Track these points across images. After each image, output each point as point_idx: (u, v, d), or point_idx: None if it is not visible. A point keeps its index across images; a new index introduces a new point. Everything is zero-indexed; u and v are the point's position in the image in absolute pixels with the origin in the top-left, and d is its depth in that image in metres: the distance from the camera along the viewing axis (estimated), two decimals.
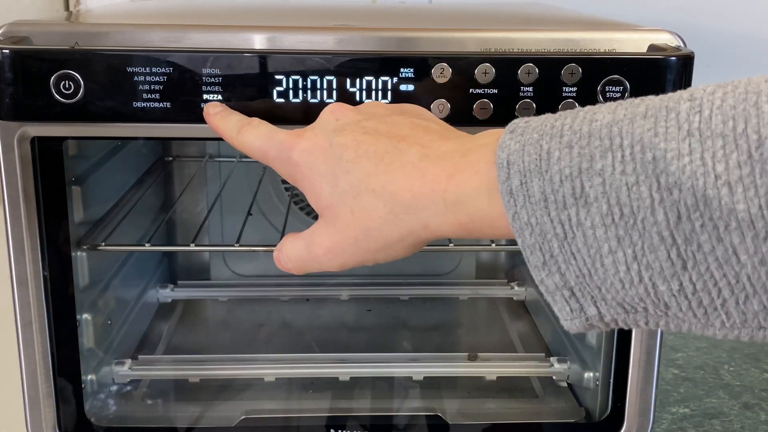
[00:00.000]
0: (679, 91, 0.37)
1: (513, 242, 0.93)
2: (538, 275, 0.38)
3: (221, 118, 0.54)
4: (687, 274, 0.33)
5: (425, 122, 0.48)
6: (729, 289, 0.33)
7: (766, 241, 0.31)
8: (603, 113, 0.37)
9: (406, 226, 0.43)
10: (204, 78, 0.61)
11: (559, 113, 0.39)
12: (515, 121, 0.40)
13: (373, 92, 0.63)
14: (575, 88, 0.63)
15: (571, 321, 0.38)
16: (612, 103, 0.38)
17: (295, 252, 0.49)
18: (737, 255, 0.32)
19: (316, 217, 1.18)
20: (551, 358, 0.89)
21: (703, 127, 0.33)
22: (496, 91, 0.63)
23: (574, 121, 0.37)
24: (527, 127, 0.39)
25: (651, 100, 0.37)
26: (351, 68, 0.62)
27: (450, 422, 0.78)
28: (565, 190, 0.35)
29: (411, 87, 0.63)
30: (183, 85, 0.61)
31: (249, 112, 0.59)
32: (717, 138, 0.32)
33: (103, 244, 0.79)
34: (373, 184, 0.44)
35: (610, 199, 0.34)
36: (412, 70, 0.62)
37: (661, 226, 0.33)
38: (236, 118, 0.54)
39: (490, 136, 0.42)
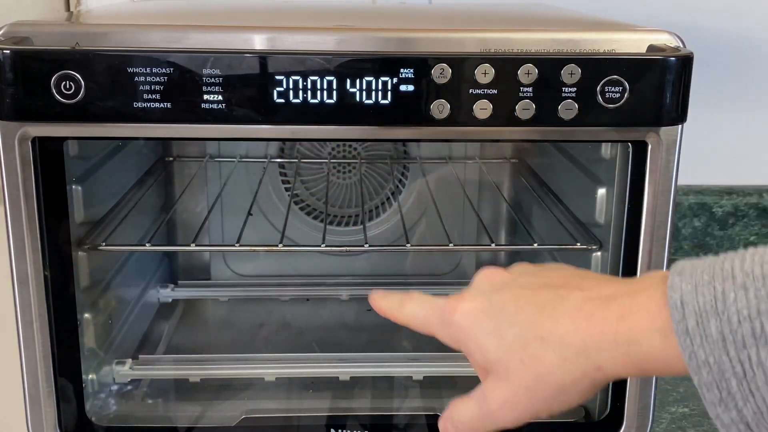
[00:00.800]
0: None
1: (513, 242, 0.93)
2: (713, 411, 0.38)
3: (381, 298, 0.56)
4: None
5: (578, 272, 0.49)
6: None
7: None
8: None
9: (579, 369, 0.43)
10: (204, 78, 0.62)
11: (722, 255, 0.40)
12: (679, 263, 0.41)
13: (373, 92, 0.63)
14: (575, 89, 0.63)
15: None
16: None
17: (468, 413, 0.48)
18: None
19: (316, 217, 1.18)
20: None
21: None
22: (495, 91, 0.63)
23: (743, 263, 0.38)
24: (695, 270, 0.40)
25: None
26: (351, 69, 0.62)
27: None
28: (744, 330, 0.37)
29: (411, 87, 0.63)
30: (183, 86, 0.62)
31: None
32: None
33: (104, 244, 0.79)
34: (540, 331, 0.44)
35: None
36: (412, 70, 0.62)
37: None
38: (398, 295, 0.56)
39: (653, 278, 0.43)
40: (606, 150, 0.77)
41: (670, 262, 0.72)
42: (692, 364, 0.38)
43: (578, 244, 0.80)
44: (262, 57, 0.62)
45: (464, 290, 0.51)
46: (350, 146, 1.11)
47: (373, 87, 0.63)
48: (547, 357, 0.44)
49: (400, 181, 1.12)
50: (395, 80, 0.62)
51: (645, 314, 0.41)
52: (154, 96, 0.62)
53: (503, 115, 0.64)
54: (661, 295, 0.40)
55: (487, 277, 0.51)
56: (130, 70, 0.61)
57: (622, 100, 0.63)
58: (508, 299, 0.47)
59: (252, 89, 0.62)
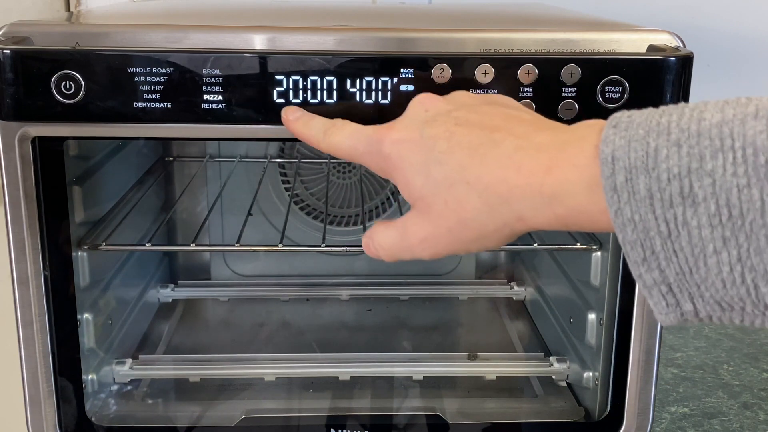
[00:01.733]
0: None
1: (513, 242, 0.94)
2: (636, 270, 0.38)
3: (303, 124, 0.54)
4: None
5: (516, 112, 0.47)
6: None
7: None
8: (710, 112, 0.37)
9: (501, 218, 0.43)
10: (204, 78, 0.62)
11: (662, 108, 0.39)
12: (616, 115, 0.40)
13: (373, 92, 0.63)
14: (575, 89, 0.63)
15: (666, 315, 0.38)
16: (718, 101, 0.38)
17: (388, 240, 0.49)
18: None
19: (316, 217, 1.18)
20: (551, 358, 0.89)
21: None
22: (495, 91, 0.63)
23: (681, 118, 0.37)
24: (631, 123, 0.38)
25: (759, 100, 0.37)
26: (351, 68, 0.62)
27: (450, 422, 0.79)
28: (673, 189, 0.36)
29: (411, 87, 0.63)
30: (183, 86, 0.62)
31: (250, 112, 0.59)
32: None
33: (104, 243, 0.79)
34: (468, 176, 0.43)
35: (719, 200, 0.35)
36: (412, 70, 0.62)
37: None
38: (320, 121, 0.54)
39: (587, 128, 0.41)
40: None
41: None
42: (618, 221, 0.37)
43: (578, 244, 0.80)
44: (262, 57, 0.62)
45: (397, 119, 0.49)
46: None
47: (373, 87, 0.63)
48: (471, 202, 0.43)
49: None
50: (395, 80, 0.62)
51: (572, 167, 0.40)
52: (154, 96, 0.62)
53: None
54: (593, 147, 0.39)
55: (421, 104, 0.49)
56: (130, 70, 0.61)
57: (622, 100, 0.63)
58: (440, 134, 0.46)
59: (252, 89, 0.62)
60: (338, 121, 0.53)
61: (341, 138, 0.51)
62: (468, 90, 0.63)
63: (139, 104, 0.62)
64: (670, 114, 0.38)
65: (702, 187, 0.35)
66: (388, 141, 0.48)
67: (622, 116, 0.39)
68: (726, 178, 0.34)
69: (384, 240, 0.49)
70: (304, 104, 0.63)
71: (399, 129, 0.48)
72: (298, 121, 0.55)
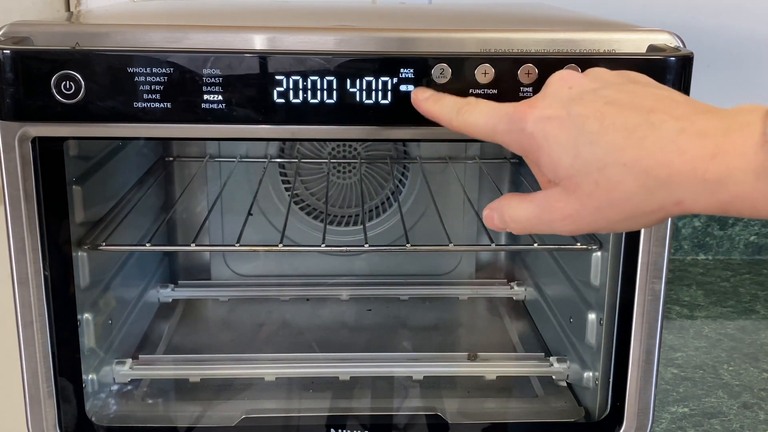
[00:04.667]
0: None
1: (513, 242, 0.93)
2: None
3: (434, 102, 0.53)
4: None
5: (668, 92, 0.46)
6: None
7: None
8: None
9: (657, 201, 0.42)
10: (204, 78, 0.62)
11: None
12: None
13: (373, 92, 0.63)
14: None
15: None
16: None
17: (524, 214, 0.48)
18: None
19: (316, 217, 1.17)
20: (551, 358, 0.89)
21: None
22: (496, 91, 0.63)
23: None
24: None
25: None
26: (351, 69, 0.62)
27: (450, 422, 0.79)
28: None
29: (411, 87, 0.63)
30: (183, 86, 0.62)
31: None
32: None
33: (104, 243, 0.79)
34: (624, 158, 0.42)
35: None
36: (412, 70, 0.62)
37: None
38: (452, 99, 0.52)
39: (752, 113, 0.41)
40: None
41: (670, 262, 0.72)
42: None
43: (578, 244, 0.80)
44: (262, 57, 0.62)
45: (537, 95, 0.48)
46: (350, 146, 1.11)
47: (373, 87, 0.63)
48: (626, 184, 0.43)
49: (400, 181, 1.12)
50: (395, 80, 0.62)
51: (740, 154, 0.39)
52: (154, 96, 0.62)
53: None
54: (759, 135, 0.39)
55: (564, 81, 0.48)
56: (130, 70, 0.61)
57: None
58: (590, 113, 0.44)
59: (252, 89, 0.62)
60: (471, 100, 0.52)
61: (477, 116, 0.50)
62: (468, 90, 0.63)
63: (139, 104, 0.62)
64: None
65: None
66: (532, 119, 0.46)
67: None
68: None
69: (519, 213, 0.48)
70: (304, 104, 0.63)
71: (543, 107, 0.46)
72: (428, 101, 0.53)
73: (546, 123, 0.46)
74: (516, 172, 1.10)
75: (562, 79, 0.48)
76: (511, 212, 0.49)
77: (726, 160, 0.40)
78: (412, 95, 0.54)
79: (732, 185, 0.40)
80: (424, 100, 0.54)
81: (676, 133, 0.42)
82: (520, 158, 1.09)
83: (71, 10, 1.18)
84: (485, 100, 0.51)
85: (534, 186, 1.01)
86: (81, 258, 0.76)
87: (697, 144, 0.41)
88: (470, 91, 0.63)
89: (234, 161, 1.09)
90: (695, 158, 0.41)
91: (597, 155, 0.43)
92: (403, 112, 0.63)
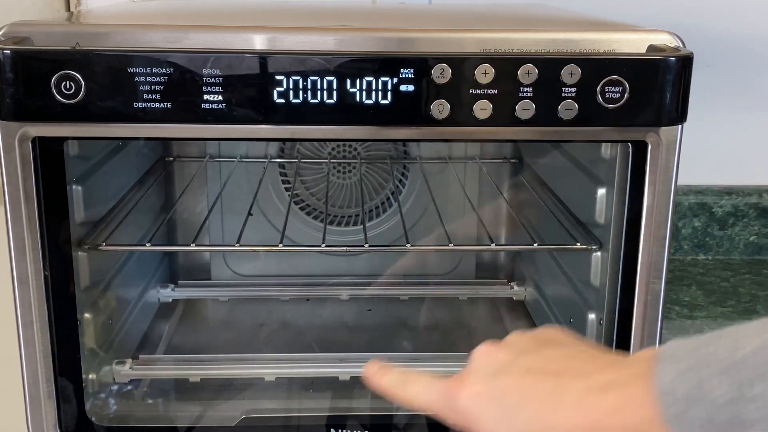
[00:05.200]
0: None
1: (513, 242, 0.93)
2: None
3: (380, 377, 0.58)
4: None
5: (572, 350, 0.51)
6: None
7: None
8: (750, 338, 0.40)
9: None
10: (204, 78, 0.62)
11: (700, 338, 0.42)
12: (665, 347, 0.43)
13: (373, 92, 0.63)
14: (575, 89, 0.63)
15: None
16: (749, 324, 0.42)
17: None
18: None
19: (316, 217, 1.17)
20: None
21: None
22: (495, 91, 0.63)
23: (717, 349, 0.41)
24: (674, 356, 0.42)
25: None
26: (351, 69, 0.62)
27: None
28: (725, 415, 0.39)
29: (411, 87, 0.63)
30: (183, 86, 0.62)
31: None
32: None
33: (104, 243, 0.79)
34: (547, 422, 0.47)
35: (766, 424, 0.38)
36: (412, 70, 0.62)
37: None
38: (396, 373, 0.57)
39: (644, 362, 0.44)
40: (606, 150, 0.77)
41: (670, 262, 0.72)
42: None
43: (578, 244, 0.80)
44: (262, 57, 0.62)
45: (464, 371, 0.53)
46: (350, 146, 1.11)
47: (373, 87, 0.63)
48: None
49: (400, 181, 1.12)
50: (395, 80, 0.62)
51: (640, 405, 0.43)
52: (154, 96, 0.62)
53: (503, 115, 0.64)
54: (651, 383, 0.43)
55: (485, 356, 0.53)
56: (130, 70, 0.61)
57: (622, 100, 0.63)
58: (511, 386, 0.49)
59: (252, 89, 0.62)
60: (413, 374, 0.56)
61: (419, 389, 0.55)
62: (468, 90, 0.63)
63: (139, 104, 0.62)
64: (711, 344, 0.41)
65: (750, 411, 0.38)
66: (463, 396, 0.51)
67: (669, 348, 0.43)
68: None
69: None
70: (304, 104, 0.63)
71: (470, 383, 0.51)
72: (375, 375, 0.58)
73: (475, 399, 0.50)
74: (515, 172, 1.10)
75: (483, 355, 0.53)
76: None
77: (627, 412, 0.44)
78: (364, 371, 0.59)
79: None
80: (371, 375, 0.58)
81: (582, 392, 0.46)
82: (520, 158, 1.09)
83: (71, 10, 1.18)
84: (426, 375, 0.55)
85: (534, 187, 1.01)
86: (81, 258, 0.76)
87: (603, 400, 0.45)
88: (470, 91, 0.63)
89: (234, 161, 1.09)
90: (604, 415, 0.45)
91: (525, 423, 0.48)
92: (403, 112, 0.63)
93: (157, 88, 0.61)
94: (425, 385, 0.54)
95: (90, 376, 0.78)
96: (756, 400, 0.38)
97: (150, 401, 0.85)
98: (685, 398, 0.40)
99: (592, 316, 0.80)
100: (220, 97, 0.62)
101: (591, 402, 0.46)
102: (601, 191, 0.78)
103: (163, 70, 0.61)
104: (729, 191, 1.24)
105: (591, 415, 0.45)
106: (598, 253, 0.79)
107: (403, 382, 0.56)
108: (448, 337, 1.00)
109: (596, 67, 0.63)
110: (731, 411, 0.39)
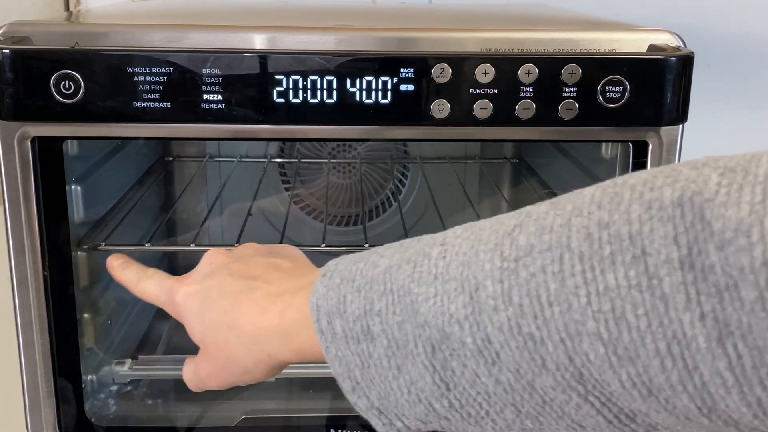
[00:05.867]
0: (438, 234, 0.44)
1: None
2: (350, 398, 0.44)
3: (121, 270, 0.62)
4: (451, 393, 0.40)
5: (279, 261, 0.55)
6: (486, 402, 0.40)
7: (494, 365, 0.38)
8: (386, 257, 0.44)
9: (255, 355, 0.50)
10: (204, 78, 0.61)
11: (360, 255, 0.46)
12: (329, 264, 0.47)
13: (373, 92, 0.63)
14: (575, 88, 0.63)
15: None
16: (397, 243, 0.46)
17: (188, 375, 0.57)
18: (479, 377, 0.39)
19: (316, 217, 1.17)
20: None
21: (443, 272, 0.40)
22: (496, 91, 0.63)
23: (365, 266, 0.44)
24: (334, 272, 0.46)
25: (418, 242, 0.44)
26: (351, 68, 0.62)
27: None
28: (357, 329, 0.43)
29: (411, 87, 0.63)
30: (183, 86, 0.62)
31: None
32: (452, 281, 0.39)
33: (104, 244, 0.79)
34: (228, 320, 0.51)
35: (388, 336, 0.42)
36: (412, 70, 0.62)
37: (422, 356, 0.40)
38: (135, 269, 0.61)
39: (314, 276, 0.48)
40: (606, 150, 0.77)
41: None
42: (328, 358, 0.44)
43: None
44: (262, 57, 0.62)
45: (189, 272, 0.57)
46: (350, 146, 1.10)
47: (373, 87, 0.62)
48: (232, 342, 0.51)
49: (400, 181, 1.12)
50: (395, 80, 0.62)
51: (298, 311, 0.47)
52: (154, 96, 0.62)
53: (503, 115, 0.64)
54: (311, 291, 0.46)
55: (207, 258, 0.57)
56: (129, 69, 0.61)
57: (623, 100, 0.63)
58: (214, 285, 0.54)
59: (252, 89, 0.62)
60: (150, 271, 0.61)
61: (149, 285, 0.59)
62: (468, 90, 0.63)
63: (139, 104, 0.62)
64: (360, 261, 0.45)
65: (375, 325, 0.42)
66: (179, 293, 0.55)
67: (331, 264, 0.47)
68: (389, 316, 0.41)
69: (186, 375, 0.57)
70: (304, 104, 0.63)
71: (187, 282, 0.56)
72: (117, 268, 0.62)
73: (186, 296, 0.55)
74: (516, 172, 1.10)
75: (207, 257, 0.58)
76: (185, 374, 0.57)
77: (290, 315, 0.48)
78: (108, 261, 0.62)
79: (296, 336, 0.47)
80: (115, 266, 0.62)
81: (262, 296, 0.50)
82: (519, 158, 1.09)
83: (71, 9, 1.18)
84: (159, 273, 0.60)
85: (534, 187, 1.01)
86: (81, 258, 0.76)
87: (273, 303, 0.49)
88: (470, 90, 0.63)
89: (234, 161, 1.09)
90: (271, 316, 0.49)
91: (213, 319, 0.52)
92: (403, 112, 0.63)
93: (157, 87, 0.61)
94: (156, 282, 0.59)
95: (89, 376, 0.78)
96: (379, 314, 0.42)
97: (150, 401, 0.85)
98: (329, 312, 0.44)
99: None
100: (220, 97, 0.62)
101: (264, 305, 0.50)
102: None
103: (163, 70, 0.61)
104: None
105: (259, 315, 0.50)
106: None
107: (138, 278, 0.60)
108: None
109: (597, 66, 0.63)
110: (362, 324, 0.43)
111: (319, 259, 1.17)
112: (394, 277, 0.42)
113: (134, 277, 0.61)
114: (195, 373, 0.56)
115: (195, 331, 0.54)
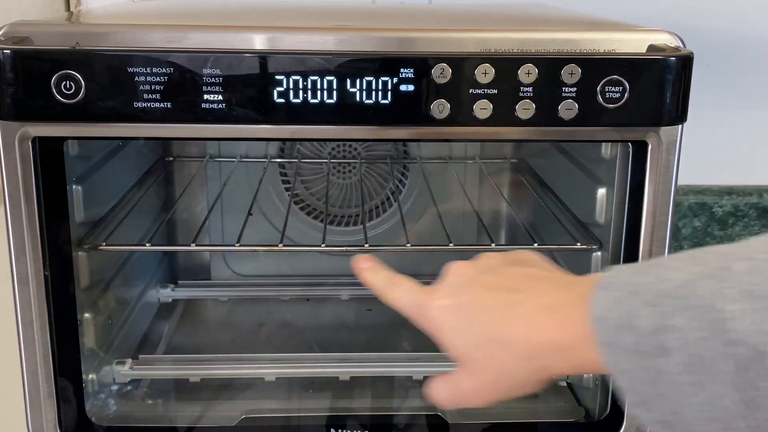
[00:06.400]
0: (733, 246, 0.42)
1: (512, 242, 0.92)
2: (633, 411, 0.43)
3: (370, 274, 0.62)
4: (758, 413, 0.39)
5: (532, 271, 0.54)
6: None
7: None
8: (678, 270, 0.43)
9: (530, 370, 0.49)
10: (204, 78, 0.62)
11: (638, 266, 0.45)
12: (607, 274, 0.46)
13: (373, 92, 0.63)
14: (575, 88, 0.63)
15: None
16: (683, 255, 0.44)
17: (443, 394, 0.55)
18: None
19: (316, 217, 1.17)
20: None
21: (756, 289, 0.38)
22: (496, 91, 0.63)
23: (651, 278, 0.43)
24: (613, 283, 0.45)
25: (710, 254, 0.43)
26: (351, 68, 0.62)
27: (450, 422, 0.79)
28: (648, 343, 0.41)
29: (411, 87, 0.63)
30: (183, 86, 0.62)
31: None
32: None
33: (104, 243, 0.79)
34: (495, 335, 0.50)
35: (689, 352, 0.40)
36: (412, 70, 0.62)
37: (729, 375, 0.39)
38: (383, 275, 0.61)
39: (586, 287, 0.47)
40: (606, 150, 0.77)
41: None
42: (612, 372, 0.43)
43: (578, 244, 0.80)
44: (262, 57, 0.62)
45: (436, 284, 0.56)
46: (350, 146, 1.11)
47: (373, 87, 0.63)
48: (503, 357, 0.50)
49: (400, 181, 1.12)
50: (395, 80, 0.62)
51: (579, 325, 0.45)
52: (154, 96, 0.62)
53: (503, 115, 0.64)
54: (588, 308, 0.45)
55: (453, 271, 0.56)
56: (130, 70, 0.61)
57: (622, 100, 0.63)
58: (471, 300, 0.53)
59: (252, 89, 0.62)
60: (398, 277, 0.60)
61: (399, 294, 0.59)
62: (468, 90, 0.63)
63: (139, 104, 0.62)
64: (645, 274, 0.44)
65: (672, 340, 0.40)
66: (432, 308, 0.54)
67: (607, 278, 0.46)
68: (689, 332, 0.40)
69: (439, 392, 0.55)
70: (304, 104, 0.63)
71: (438, 297, 0.55)
72: (367, 271, 0.62)
73: (441, 311, 0.54)
74: (516, 172, 1.10)
75: (453, 270, 0.57)
76: (436, 392, 0.56)
77: (570, 331, 0.46)
78: (354, 262, 0.63)
79: (578, 352, 0.46)
80: (363, 269, 0.63)
81: (533, 309, 0.49)
82: (520, 158, 1.09)
83: (71, 10, 1.18)
84: (409, 281, 0.59)
85: (534, 187, 1.01)
86: (81, 258, 0.76)
87: (548, 317, 0.48)
88: (470, 91, 0.63)
89: (234, 161, 1.09)
90: (548, 330, 0.48)
91: (477, 335, 0.51)
92: (403, 112, 0.63)
93: (157, 88, 0.61)
94: (405, 291, 0.58)
95: (90, 376, 0.78)
96: (676, 330, 0.40)
97: (150, 401, 0.85)
98: (615, 326, 0.43)
99: None
100: (220, 97, 0.62)
101: (537, 318, 0.49)
102: (601, 191, 0.78)
103: (163, 70, 0.61)
104: (729, 191, 1.24)
105: (535, 330, 0.48)
106: (598, 253, 0.79)
107: (387, 285, 0.60)
108: None
109: (596, 66, 0.63)
110: (655, 340, 0.41)
111: (319, 260, 1.18)
112: (694, 292, 0.41)
113: (383, 283, 0.61)
114: (453, 391, 0.54)
115: (453, 346, 0.53)
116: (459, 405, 0.55)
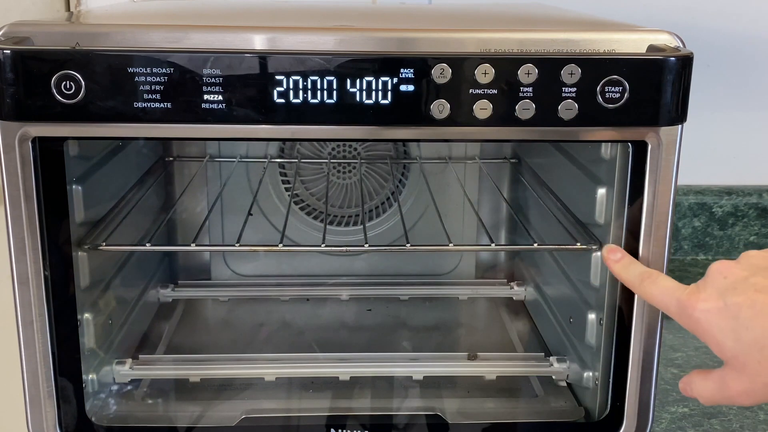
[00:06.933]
0: None
1: (513, 242, 0.93)
2: None
3: (623, 267, 0.63)
4: None
5: None
6: None
7: None
8: None
9: None
10: (204, 78, 0.62)
11: None
12: None
13: (373, 92, 0.63)
14: (575, 89, 0.63)
15: None
16: None
17: (708, 392, 0.57)
18: None
19: (316, 217, 1.17)
20: (550, 358, 0.89)
21: None
22: (495, 91, 0.63)
23: None
24: None
25: None
26: (351, 69, 0.62)
27: (450, 421, 0.79)
28: None
29: (411, 87, 0.63)
30: (183, 86, 0.62)
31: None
32: None
33: (104, 243, 0.79)
34: None
35: None
36: (412, 70, 0.62)
37: None
38: (638, 269, 0.62)
39: None
40: (606, 150, 0.77)
41: (670, 262, 0.72)
42: None
43: (578, 244, 0.80)
44: (262, 57, 0.62)
45: (699, 284, 0.56)
46: (350, 146, 1.11)
47: (373, 87, 0.63)
48: None
49: (400, 181, 1.12)
50: (395, 80, 0.62)
51: None
52: (154, 96, 0.62)
53: (503, 115, 0.64)
54: None
55: (719, 272, 0.56)
56: (130, 70, 0.61)
57: (622, 100, 0.63)
58: (743, 302, 0.53)
59: (252, 89, 0.62)
60: (654, 273, 0.61)
61: (655, 291, 0.59)
62: (468, 90, 0.63)
63: (139, 104, 0.62)
64: None
65: None
66: (697, 308, 0.55)
67: None
68: None
69: (703, 390, 0.57)
70: (304, 104, 0.63)
71: (705, 298, 0.55)
72: (618, 263, 0.63)
73: (707, 313, 0.54)
74: (515, 172, 1.10)
75: (718, 271, 0.57)
76: (698, 389, 0.57)
77: None
78: (603, 251, 0.65)
79: None
80: (614, 261, 0.64)
81: None
82: (519, 158, 1.09)
83: (71, 10, 1.18)
84: (664, 278, 0.59)
85: (534, 187, 1.01)
86: (81, 258, 0.76)
87: None
88: (470, 91, 0.63)
89: (234, 161, 1.09)
90: None
91: (755, 338, 0.52)
92: (403, 112, 0.63)
93: (157, 88, 0.62)
94: (662, 289, 0.59)
95: (90, 376, 0.78)
96: None
97: (150, 401, 0.85)
98: None
99: (592, 315, 0.80)
100: (220, 97, 0.62)
101: None
102: (601, 191, 0.78)
103: (163, 70, 0.61)
104: (729, 191, 1.24)
105: None
106: (598, 253, 0.79)
107: (642, 280, 0.61)
108: (447, 337, 1.00)
109: (596, 67, 0.63)
110: None
111: (319, 259, 1.18)
112: None
113: (637, 278, 0.61)
114: (721, 391, 0.55)
115: (726, 348, 0.54)
116: (724, 403, 0.56)
